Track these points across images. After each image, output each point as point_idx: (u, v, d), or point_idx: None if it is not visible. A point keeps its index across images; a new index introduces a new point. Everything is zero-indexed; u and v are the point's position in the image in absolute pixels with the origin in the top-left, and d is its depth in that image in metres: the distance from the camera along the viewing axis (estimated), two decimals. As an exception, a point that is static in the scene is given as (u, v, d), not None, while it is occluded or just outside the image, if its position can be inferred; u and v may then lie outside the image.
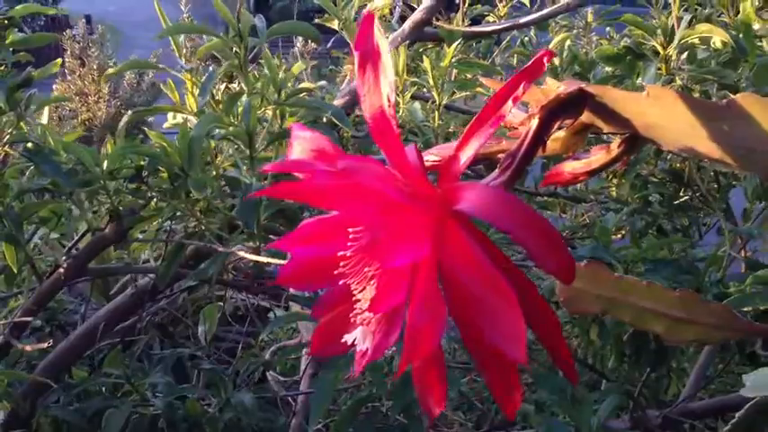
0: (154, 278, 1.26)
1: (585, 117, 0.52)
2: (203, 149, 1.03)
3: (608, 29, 2.58)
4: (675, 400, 1.54)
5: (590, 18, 2.42)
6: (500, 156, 0.56)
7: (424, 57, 1.17)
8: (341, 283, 0.48)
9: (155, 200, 1.08)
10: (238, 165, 1.06)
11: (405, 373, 1.15)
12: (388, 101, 0.45)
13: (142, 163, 1.04)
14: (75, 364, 1.28)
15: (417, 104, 1.14)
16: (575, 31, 2.28)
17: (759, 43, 1.03)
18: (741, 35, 1.03)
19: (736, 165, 0.45)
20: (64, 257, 1.11)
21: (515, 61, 2.17)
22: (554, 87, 0.51)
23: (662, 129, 0.48)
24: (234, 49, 0.96)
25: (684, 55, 1.11)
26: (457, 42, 1.19)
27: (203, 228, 1.11)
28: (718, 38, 1.04)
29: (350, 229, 0.45)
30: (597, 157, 0.54)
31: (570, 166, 0.56)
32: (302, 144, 0.49)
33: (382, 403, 1.21)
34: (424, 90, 1.20)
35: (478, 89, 1.19)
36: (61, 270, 1.09)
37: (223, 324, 2.33)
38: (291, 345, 2.42)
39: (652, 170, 1.41)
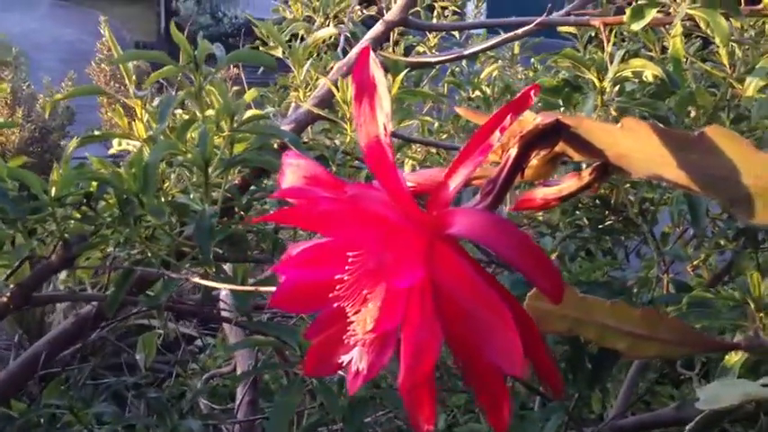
0: (96, 306, 1.25)
1: (558, 146, 0.56)
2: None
3: (532, 60, 2.68)
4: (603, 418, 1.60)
5: (516, 50, 2.51)
6: (474, 182, 0.59)
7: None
8: (334, 305, 0.50)
9: (103, 227, 1.07)
10: (189, 191, 1.07)
11: (356, 397, 1.16)
12: (384, 130, 0.47)
13: (92, 189, 1.03)
14: (14, 395, 1.25)
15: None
16: (499, 62, 2.35)
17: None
18: (672, 68, 1.10)
19: (702, 191, 0.49)
20: (7, 286, 1.09)
21: (446, 90, 2.24)
22: (530, 119, 0.55)
23: (633, 158, 0.51)
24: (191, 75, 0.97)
25: (617, 88, 1.17)
26: (405, 71, 1.23)
27: (149, 254, 1.11)
28: (650, 72, 1.11)
29: (349, 254, 0.47)
30: (569, 183, 0.57)
31: (542, 193, 0.59)
32: (295, 171, 0.51)
33: (331, 428, 1.22)
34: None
35: (426, 118, 1.22)
36: (4, 299, 1.07)
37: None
38: (224, 372, 2.40)
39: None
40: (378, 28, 1.30)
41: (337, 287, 0.48)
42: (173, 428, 1.21)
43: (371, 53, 0.48)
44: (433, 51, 2.25)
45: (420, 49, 2.31)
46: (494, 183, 0.54)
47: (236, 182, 1.20)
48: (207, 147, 0.95)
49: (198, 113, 1.00)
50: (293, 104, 1.36)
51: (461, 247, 0.49)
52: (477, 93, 1.94)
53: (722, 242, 1.37)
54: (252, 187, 1.19)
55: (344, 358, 0.49)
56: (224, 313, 1.54)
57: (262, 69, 1.63)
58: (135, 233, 1.04)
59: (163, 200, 1.03)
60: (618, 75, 1.09)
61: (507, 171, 0.54)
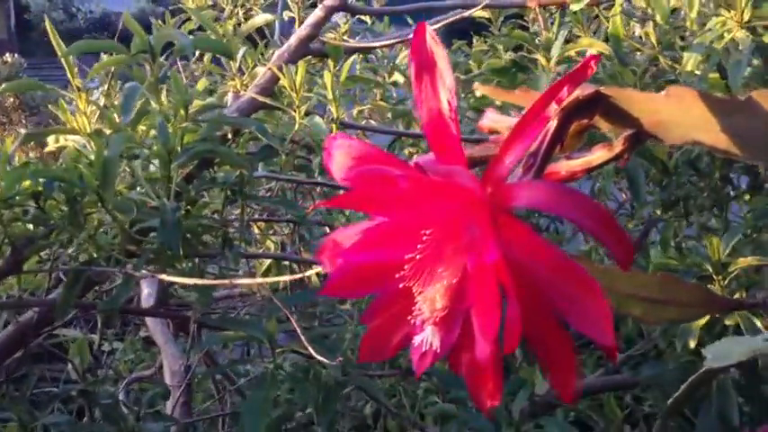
0: (38, 312, 1.18)
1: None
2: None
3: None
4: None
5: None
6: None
7: (325, 71, 1.18)
8: (392, 287, 0.49)
9: (55, 227, 1.01)
10: (137, 186, 1.02)
11: (329, 386, 1.15)
12: (449, 105, 0.47)
13: (40, 188, 0.98)
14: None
15: (319, 119, 1.15)
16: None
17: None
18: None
19: (742, 154, 0.51)
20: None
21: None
22: (563, 91, 0.55)
23: (673, 125, 0.52)
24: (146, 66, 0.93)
25: (560, 67, 1.20)
26: (354, 56, 1.22)
27: (96, 255, 1.06)
28: (596, 50, 1.14)
29: (422, 231, 0.46)
30: (598, 154, 0.58)
31: (567, 165, 0.60)
32: (345, 153, 0.50)
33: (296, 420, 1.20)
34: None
35: (380, 103, 1.21)
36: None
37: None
38: (147, 375, 2.32)
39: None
40: (317, 13, 1.29)
41: (404, 267, 0.48)
42: (132, 434, 1.16)
43: (428, 28, 0.47)
44: (344, 38, 2.25)
45: (329, 35, 2.30)
46: (535, 156, 0.54)
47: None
48: (169, 139, 0.91)
49: (154, 104, 0.96)
50: (231, 94, 1.32)
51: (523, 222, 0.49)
52: (398, 77, 1.94)
53: (658, 212, 1.43)
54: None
55: (417, 338, 0.48)
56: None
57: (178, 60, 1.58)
58: (85, 232, 0.99)
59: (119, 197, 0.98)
60: (565, 54, 1.12)
61: (548, 143, 0.54)
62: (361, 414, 1.60)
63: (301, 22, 1.62)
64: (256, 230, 2.02)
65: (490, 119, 0.63)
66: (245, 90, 1.29)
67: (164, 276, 0.96)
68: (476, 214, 0.45)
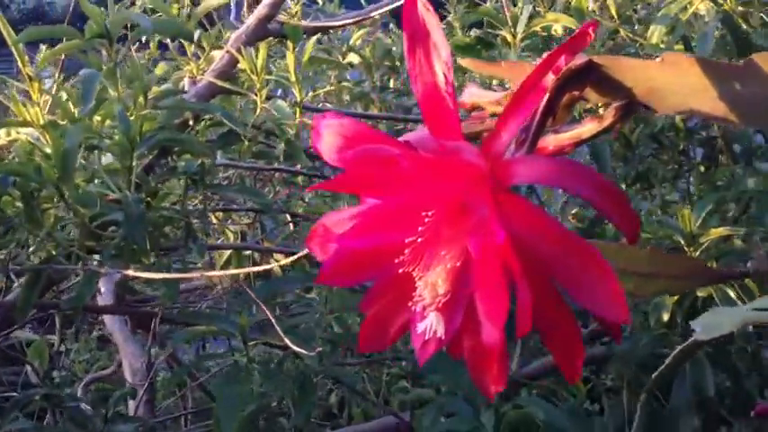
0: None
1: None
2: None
3: (391, 25, 2.68)
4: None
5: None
6: (485, 135, 0.57)
7: (288, 52, 1.14)
8: (389, 272, 0.47)
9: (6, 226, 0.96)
10: (102, 178, 0.98)
11: (306, 377, 1.12)
12: (445, 78, 0.44)
13: (-6, 185, 0.93)
14: None
15: (283, 103, 1.12)
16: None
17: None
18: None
19: (740, 120, 0.50)
20: None
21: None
22: (554, 62, 0.53)
23: (667, 93, 0.51)
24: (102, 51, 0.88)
25: (524, 42, 1.18)
26: (316, 37, 1.19)
27: (54, 252, 1.02)
28: (560, 25, 1.13)
29: (424, 212, 0.44)
30: (588, 127, 0.56)
31: (555, 139, 0.58)
32: (334, 132, 0.47)
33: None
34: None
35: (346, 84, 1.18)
36: None
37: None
38: (106, 375, 2.27)
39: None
40: (275, -7, 1.25)
41: (403, 251, 0.45)
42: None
43: (419, -2, 0.45)
44: (296, 19, 2.20)
45: (282, 16, 2.25)
46: (527, 130, 0.52)
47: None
48: (130, 128, 0.87)
49: (111, 92, 0.92)
50: (187, 79, 1.28)
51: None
52: (354, 58, 1.91)
53: (623, 186, 1.43)
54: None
55: (420, 325, 0.46)
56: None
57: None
58: (45, 229, 0.95)
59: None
60: (531, 30, 1.10)
61: (540, 116, 0.52)
62: (326, 403, 1.58)
63: (251, 4, 1.59)
64: (214, 220, 1.98)
65: (471, 94, 0.61)
66: (201, 75, 1.25)
67: (130, 272, 0.92)
68: (480, 193, 0.42)
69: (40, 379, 1.51)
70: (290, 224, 1.80)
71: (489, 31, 1.17)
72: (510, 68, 0.57)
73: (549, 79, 0.47)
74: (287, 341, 0.89)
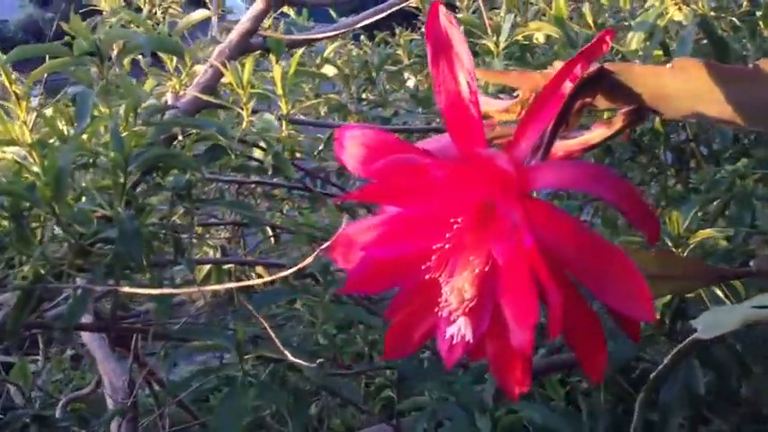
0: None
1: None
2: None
3: (362, 37, 2.69)
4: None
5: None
6: (496, 142, 0.58)
7: (275, 65, 1.15)
8: (415, 279, 0.48)
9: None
10: (92, 195, 0.97)
11: (300, 390, 1.12)
12: (468, 88, 0.45)
13: (-16, 205, 0.92)
14: None
15: (270, 116, 1.12)
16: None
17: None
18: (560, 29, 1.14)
19: (747, 123, 0.51)
20: None
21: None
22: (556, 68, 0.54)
23: (675, 98, 0.52)
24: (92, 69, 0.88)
25: (505, 50, 1.20)
26: (302, 49, 1.19)
27: (42, 271, 1.01)
28: (541, 33, 1.15)
29: (451, 219, 0.45)
30: (598, 132, 0.57)
31: (564, 145, 0.59)
32: (357, 143, 0.48)
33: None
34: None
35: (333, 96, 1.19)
36: None
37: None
38: (85, 394, 2.23)
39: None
40: (258, 6, 1.25)
41: (429, 258, 0.46)
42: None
43: (442, 9, 0.46)
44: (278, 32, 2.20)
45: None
46: (541, 136, 0.54)
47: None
48: (124, 146, 0.87)
49: (103, 109, 0.91)
50: (170, 94, 1.27)
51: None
52: (330, 70, 1.92)
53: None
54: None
55: (448, 330, 0.46)
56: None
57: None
58: (38, 249, 0.94)
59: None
60: (514, 38, 1.12)
61: (554, 123, 0.53)
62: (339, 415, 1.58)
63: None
64: (195, 235, 1.96)
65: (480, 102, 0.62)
66: (184, 90, 1.25)
67: (126, 288, 0.92)
68: (508, 199, 0.43)
69: (25, 400, 1.49)
70: (272, 237, 1.80)
71: (470, 40, 1.18)
72: (519, 77, 0.58)
73: (567, 87, 0.48)
74: (287, 353, 0.89)
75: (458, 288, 0.46)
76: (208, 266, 1.83)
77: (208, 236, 2.11)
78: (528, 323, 0.44)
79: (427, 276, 0.47)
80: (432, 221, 0.45)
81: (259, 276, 1.78)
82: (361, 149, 0.47)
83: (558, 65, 0.56)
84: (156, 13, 1.94)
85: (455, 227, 0.45)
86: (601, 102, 0.57)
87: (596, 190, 0.45)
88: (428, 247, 0.46)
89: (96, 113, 0.94)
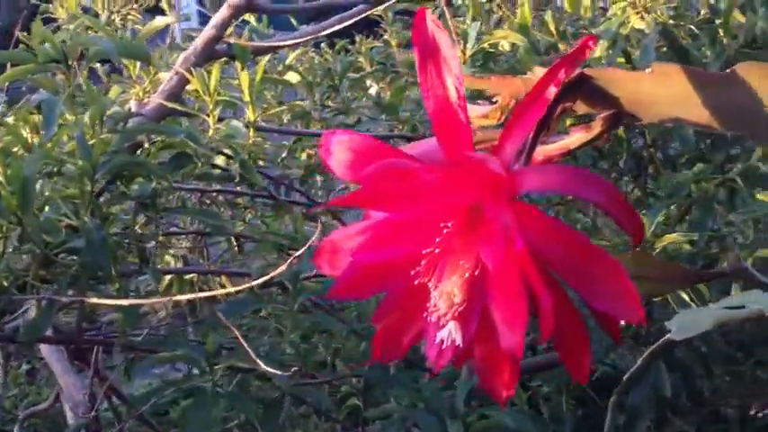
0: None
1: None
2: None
3: (322, 45, 2.68)
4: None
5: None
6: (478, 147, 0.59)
7: (241, 72, 1.14)
8: (400, 284, 0.48)
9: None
10: (57, 204, 0.95)
11: (274, 399, 1.11)
12: (456, 92, 0.45)
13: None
14: None
15: (238, 123, 1.11)
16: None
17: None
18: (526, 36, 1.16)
19: (723, 127, 0.53)
20: None
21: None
22: (537, 75, 0.55)
23: (654, 103, 0.53)
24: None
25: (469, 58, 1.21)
26: (267, 57, 1.19)
27: (5, 282, 0.98)
28: (507, 41, 1.16)
29: (440, 224, 0.45)
30: (577, 137, 0.58)
31: (543, 150, 0.60)
32: (345, 148, 0.48)
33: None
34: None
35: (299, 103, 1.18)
36: None
37: None
38: (43, 409, 2.19)
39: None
40: (223, 12, 1.24)
41: (418, 262, 0.46)
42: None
43: (428, 14, 0.46)
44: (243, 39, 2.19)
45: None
46: (524, 142, 0.54)
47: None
48: (91, 154, 0.85)
49: (68, 116, 0.89)
50: (133, 102, 1.26)
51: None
52: (293, 77, 1.91)
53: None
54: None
55: (438, 335, 0.46)
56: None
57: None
58: (4, 261, 0.92)
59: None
60: (480, 46, 1.13)
61: (536, 128, 0.54)
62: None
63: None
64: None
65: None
66: (147, 97, 1.23)
67: (94, 299, 0.90)
68: (498, 202, 0.44)
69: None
70: (236, 247, 1.79)
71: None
72: (499, 83, 0.59)
73: (551, 92, 0.48)
74: (259, 363, 0.88)
75: (447, 292, 0.46)
76: (169, 277, 1.80)
77: (169, 246, 2.08)
78: (519, 326, 0.44)
79: (416, 281, 0.47)
80: (420, 226, 0.45)
81: (222, 286, 1.76)
82: (348, 154, 0.47)
83: (539, 70, 0.57)
84: (114, 20, 1.92)
85: (444, 231, 0.45)
86: (580, 107, 0.57)
87: (584, 193, 0.45)
88: (417, 251, 0.46)
89: (61, 121, 0.93)
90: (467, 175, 0.42)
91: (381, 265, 0.47)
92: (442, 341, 0.47)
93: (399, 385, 1.25)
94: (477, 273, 0.46)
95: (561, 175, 0.46)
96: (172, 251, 2.04)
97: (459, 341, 0.46)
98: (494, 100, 0.62)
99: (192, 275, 1.81)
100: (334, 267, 0.49)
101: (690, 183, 1.17)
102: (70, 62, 0.87)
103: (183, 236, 2.00)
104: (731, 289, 1.05)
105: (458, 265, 0.46)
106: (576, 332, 0.48)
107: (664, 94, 0.52)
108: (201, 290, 1.81)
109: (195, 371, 1.17)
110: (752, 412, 1.53)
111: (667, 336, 0.74)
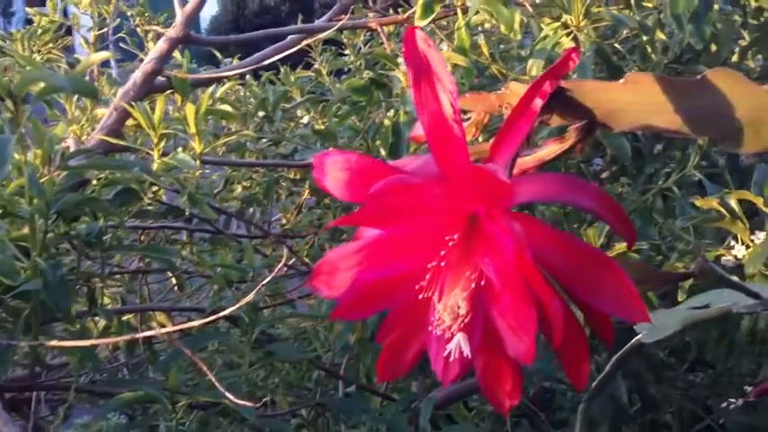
0: None
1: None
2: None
3: (247, 77, 2.67)
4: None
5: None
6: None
7: (187, 104, 1.12)
8: (403, 301, 0.48)
9: None
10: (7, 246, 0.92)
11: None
12: (451, 107, 0.46)
13: None
14: None
15: (185, 155, 1.09)
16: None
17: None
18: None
19: (693, 132, 0.55)
20: None
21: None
22: (519, 90, 0.56)
23: (625, 111, 0.55)
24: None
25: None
26: (212, 87, 1.18)
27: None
28: (454, 62, 1.18)
29: (443, 237, 0.45)
30: (550, 149, 0.60)
31: (518, 162, 0.61)
32: (339, 167, 0.48)
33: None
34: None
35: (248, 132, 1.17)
36: None
37: None
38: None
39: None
40: (161, 46, 1.23)
41: (422, 277, 0.46)
42: None
43: (418, 33, 0.47)
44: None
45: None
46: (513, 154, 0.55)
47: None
48: (44, 193, 0.83)
49: (17, 156, 0.87)
50: (71, 139, 1.23)
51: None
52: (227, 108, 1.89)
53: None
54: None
55: (447, 347, 0.47)
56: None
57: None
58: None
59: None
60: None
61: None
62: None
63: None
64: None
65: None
66: (86, 134, 1.21)
67: (54, 342, 0.87)
68: (500, 214, 0.44)
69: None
70: (177, 285, 1.75)
71: (382, 72, 1.20)
72: (473, 100, 0.60)
73: (537, 104, 0.49)
74: (230, 396, 0.86)
75: (451, 305, 0.47)
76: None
77: (101, 285, 2.03)
78: (529, 333, 0.45)
79: (419, 296, 0.47)
80: (423, 240, 0.46)
81: (162, 325, 1.72)
82: (345, 174, 0.47)
83: (515, 85, 0.58)
84: (35, 57, 1.88)
85: (449, 244, 0.45)
86: (554, 118, 0.59)
87: (579, 200, 0.47)
88: (420, 266, 0.46)
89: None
90: (469, 187, 0.42)
91: (384, 281, 0.47)
92: (449, 354, 0.47)
93: (359, 411, 1.24)
94: (480, 283, 0.47)
95: (556, 183, 0.47)
96: (107, 291, 1.99)
97: (467, 353, 0.47)
98: (467, 117, 0.63)
99: (129, 316, 1.77)
100: (333, 288, 0.49)
101: (632, 194, 1.20)
102: (18, 99, 0.85)
103: (118, 275, 1.95)
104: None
105: (461, 277, 0.46)
106: (577, 340, 0.49)
107: (637, 101, 0.54)
108: (140, 330, 1.77)
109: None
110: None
111: (635, 339, 0.76)
